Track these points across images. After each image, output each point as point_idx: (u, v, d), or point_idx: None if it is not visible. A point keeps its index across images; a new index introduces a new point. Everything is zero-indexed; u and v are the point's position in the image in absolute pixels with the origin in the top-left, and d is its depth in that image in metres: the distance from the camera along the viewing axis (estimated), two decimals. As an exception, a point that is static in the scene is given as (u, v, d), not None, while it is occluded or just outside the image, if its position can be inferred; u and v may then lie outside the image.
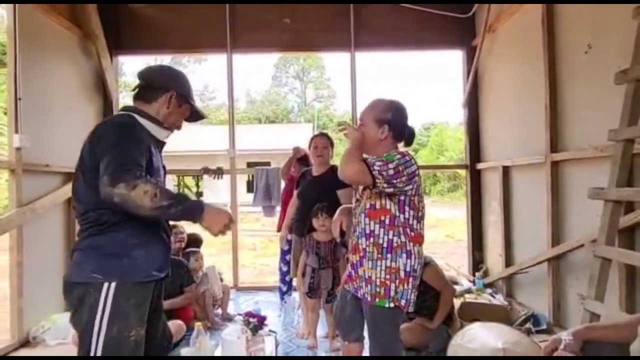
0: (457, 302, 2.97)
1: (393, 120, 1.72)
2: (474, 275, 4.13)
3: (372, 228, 1.69)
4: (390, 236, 1.67)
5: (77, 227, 1.43)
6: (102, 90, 4.05)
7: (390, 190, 1.63)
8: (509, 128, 3.66)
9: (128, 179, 1.20)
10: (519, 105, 3.49)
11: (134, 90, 1.56)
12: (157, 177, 1.46)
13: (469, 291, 3.80)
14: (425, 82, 38.90)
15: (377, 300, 1.67)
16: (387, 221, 1.67)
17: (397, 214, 1.67)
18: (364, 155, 1.74)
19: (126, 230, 1.35)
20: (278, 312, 3.51)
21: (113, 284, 1.29)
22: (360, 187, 1.78)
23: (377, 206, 1.69)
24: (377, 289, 1.67)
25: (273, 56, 25.78)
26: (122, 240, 1.34)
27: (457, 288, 3.81)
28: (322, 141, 2.98)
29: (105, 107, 4.10)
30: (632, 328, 1.33)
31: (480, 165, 4.22)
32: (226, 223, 1.31)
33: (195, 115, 1.67)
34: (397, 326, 1.73)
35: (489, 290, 3.79)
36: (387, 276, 1.66)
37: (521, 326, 2.78)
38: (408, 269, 1.68)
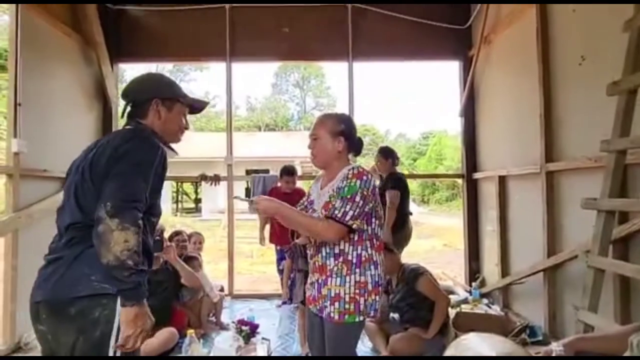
0: (452, 312, 2.95)
1: (347, 132, 1.71)
2: (470, 285, 4.12)
3: (341, 247, 1.63)
4: (359, 251, 1.62)
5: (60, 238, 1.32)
6: (102, 97, 4.09)
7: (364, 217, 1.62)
8: (505, 138, 3.68)
9: (127, 216, 1.15)
10: (514, 116, 3.52)
11: (123, 112, 1.45)
12: (158, 198, 1.39)
13: (465, 301, 3.79)
14: (424, 91, 39.22)
15: (346, 317, 1.60)
16: (355, 237, 1.62)
17: (365, 227, 1.63)
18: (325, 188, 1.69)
19: None
20: (273, 320, 3.49)
21: (118, 298, 1.18)
22: (322, 209, 1.68)
23: None
24: (347, 306, 1.60)
25: (273, 64, 25.97)
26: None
27: (454, 298, 3.80)
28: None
29: (105, 114, 4.14)
30: (622, 340, 1.32)
31: (476, 175, 4.24)
32: (141, 329, 1.20)
33: (196, 107, 1.53)
34: (359, 338, 1.73)
35: (486, 301, 3.78)
36: (357, 291, 1.60)
37: (516, 337, 2.76)
38: (376, 279, 1.64)
